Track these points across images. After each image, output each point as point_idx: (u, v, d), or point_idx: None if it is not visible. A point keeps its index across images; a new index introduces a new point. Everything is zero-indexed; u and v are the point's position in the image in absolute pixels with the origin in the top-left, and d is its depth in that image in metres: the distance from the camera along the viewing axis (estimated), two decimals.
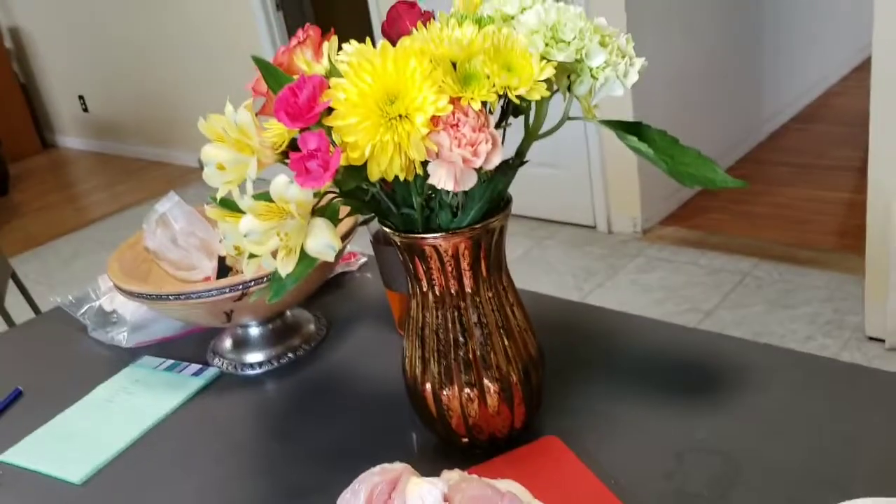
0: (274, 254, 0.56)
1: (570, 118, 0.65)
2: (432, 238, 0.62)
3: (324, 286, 1.08)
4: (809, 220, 2.94)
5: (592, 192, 3.06)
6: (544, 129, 0.65)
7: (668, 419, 0.72)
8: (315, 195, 0.57)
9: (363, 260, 1.12)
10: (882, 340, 2.19)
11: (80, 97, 5.19)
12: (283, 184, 0.53)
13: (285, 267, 0.55)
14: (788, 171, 3.37)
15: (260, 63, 0.59)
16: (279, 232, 0.54)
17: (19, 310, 2.55)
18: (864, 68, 4.30)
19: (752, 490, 0.63)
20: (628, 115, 2.80)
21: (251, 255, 0.56)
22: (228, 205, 0.59)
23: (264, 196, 0.57)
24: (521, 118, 0.64)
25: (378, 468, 0.65)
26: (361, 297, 1.04)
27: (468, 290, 0.65)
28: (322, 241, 0.55)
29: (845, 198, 3.06)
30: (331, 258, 0.55)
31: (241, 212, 0.56)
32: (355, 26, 3.82)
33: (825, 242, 2.77)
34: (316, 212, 0.56)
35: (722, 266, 2.73)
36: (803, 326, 2.33)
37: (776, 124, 3.77)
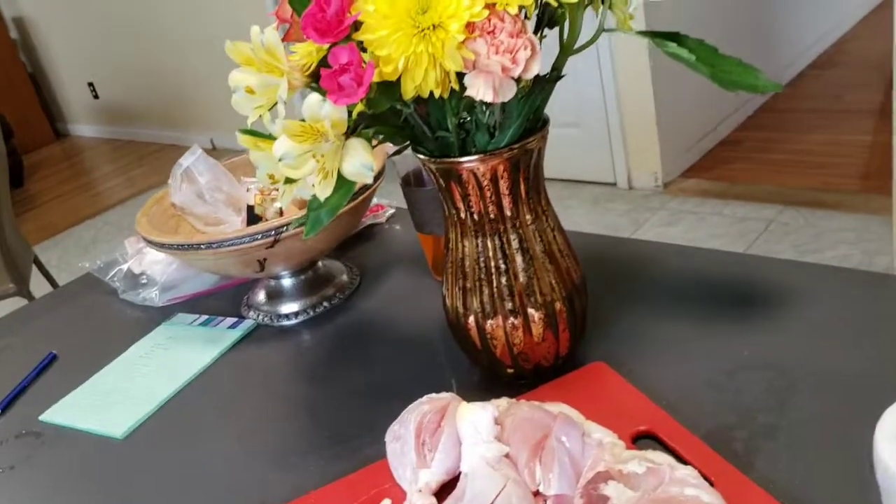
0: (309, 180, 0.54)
1: (605, 30, 0.63)
2: (469, 161, 0.60)
3: (354, 239, 1.06)
4: (832, 164, 2.89)
5: (612, 150, 3.02)
6: (579, 43, 0.62)
7: (715, 339, 0.70)
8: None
9: (391, 211, 1.11)
10: None
11: (90, 84, 5.19)
12: (317, 102, 0.51)
13: (324, 191, 0.53)
14: (808, 118, 3.32)
15: None
16: (315, 154, 0.52)
17: (43, 292, 2.57)
18: (877, 12, 4.21)
19: (808, 397, 0.61)
20: (644, 66, 2.75)
21: (287, 181, 0.54)
22: (260, 137, 0.57)
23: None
24: (555, 35, 0.62)
25: (426, 398, 0.64)
26: (392, 247, 1.02)
27: (508, 214, 0.63)
28: (359, 161, 0.53)
29: (866, 140, 3.00)
30: (369, 179, 0.54)
31: (272, 140, 0.55)
32: None
33: (849, 185, 2.72)
34: (349, 133, 0.55)
35: (746, 215, 2.69)
36: None
37: (793, 72, 3.71)
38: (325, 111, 0.51)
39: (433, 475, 0.58)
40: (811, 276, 0.77)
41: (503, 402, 0.63)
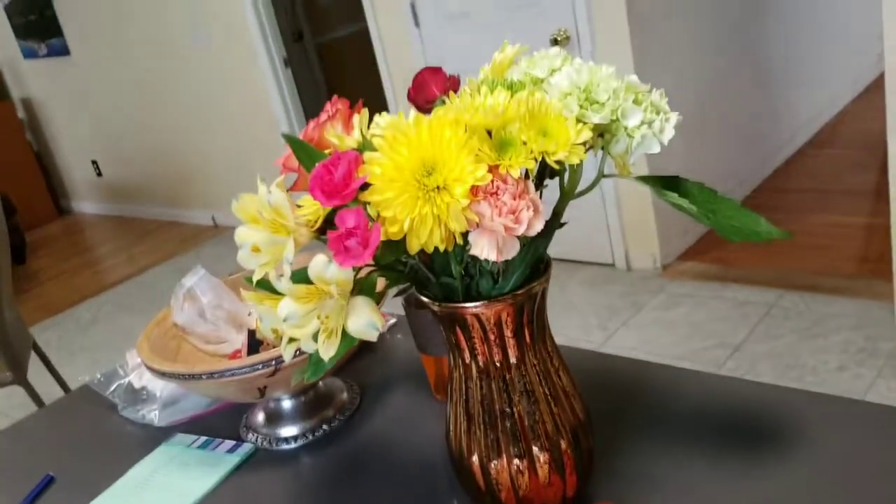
0: (314, 336, 0.54)
1: (604, 176, 0.63)
2: (473, 307, 0.60)
3: (354, 351, 1.06)
4: (831, 246, 2.90)
5: (609, 230, 3.04)
6: (579, 187, 0.63)
7: (726, 479, 0.69)
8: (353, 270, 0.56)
9: (393, 321, 1.11)
10: None
11: (94, 162, 5.25)
12: (323, 264, 0.52)
13: (327, 350, 0.53)
14: (805, 198, 3.35)
15: (291, 140, 0.58)
16: (319, 314, 0.53)
17: (41, 379, 2.55)
18: (872, 91, 4.30)
19: None
20: None
21: (291, 340, 0.54)
22: (264, 285, 0.58)
23: (301, 274, 0.55)
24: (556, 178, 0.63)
25: None
26: (394, 361, 1.02)
27: (512, 357, 0.63)
28: (364, 321, 0.53)
29: (865, 222, 3.02)
30: (374, 338, 0.54)
31: (278, 292, 0.55)
32: (363, 81, 3.85)
33: (849, 269, 2.73)
34: (355, 289, 0.55)
35: (746, 298, 2.69)
36: (835, 356, 2.28)
37: (789, 151, 3.76)
38: (331, 273, 0.52)
39: None
40: (822, 407, 0.76)
41: None
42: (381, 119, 0.56)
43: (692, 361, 2.40)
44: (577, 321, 2.78)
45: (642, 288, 2.91)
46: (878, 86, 4.27)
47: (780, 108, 3.65)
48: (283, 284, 0.52)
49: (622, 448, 0.76)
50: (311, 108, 3.96)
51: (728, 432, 0.75)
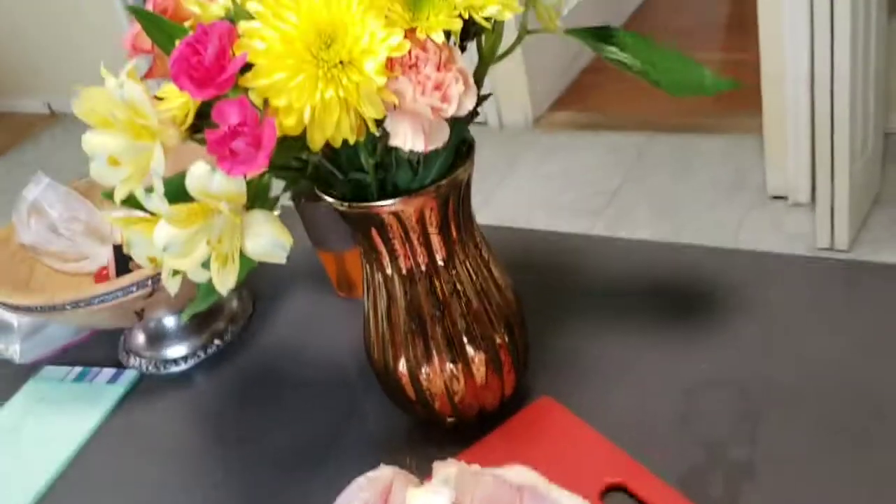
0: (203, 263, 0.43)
1: (528, 31, 0.54)
2: (391, 204, 0.51)
3: None
4: None
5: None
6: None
7: (664, 353, 0.65)
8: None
9: (276, 213, 0.99)
10: (785, 198, 2.23)
11: None
12: (204, 174, 0.40)
13: (225, 281, 0.43)
14: (670, 36, 3.35)
15: (140, 14, 0.45)
16: (208, 237, 0.42)
17: None
18: None
19: (780, 422, 0.57)
20: None
21: (175, 272, 0.43)
22: (130, 203, 0.46)
23: (177, 184, 0.44)
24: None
25: (363, 479, 0.55)
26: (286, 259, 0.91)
27: (440, 261, 0.54)
28: (267, 240, 0.43)
29: (730, 58, 3.06)
30: (282, 259, 0.44)
31: (151, 219, 0.43)
32: None
33: (718, 105, 2.77)
34: (248, 199, 0.44)
35: (618, 144, 2.70)
36: (706, 193, 2.34)
37: None
38: (217, 185, 0.40)
39: None
40: (751, 264, 0.73)
41: (451, 468, 0.55)
42: None
43: (571, 211, 2.41)
44: None
45: (516, 143, 2.86)
46: None
47: None
48: (157, 203, 0.41)
49: (553, 333, 0.70)
50: None
51: (657, 300, 0.71)
